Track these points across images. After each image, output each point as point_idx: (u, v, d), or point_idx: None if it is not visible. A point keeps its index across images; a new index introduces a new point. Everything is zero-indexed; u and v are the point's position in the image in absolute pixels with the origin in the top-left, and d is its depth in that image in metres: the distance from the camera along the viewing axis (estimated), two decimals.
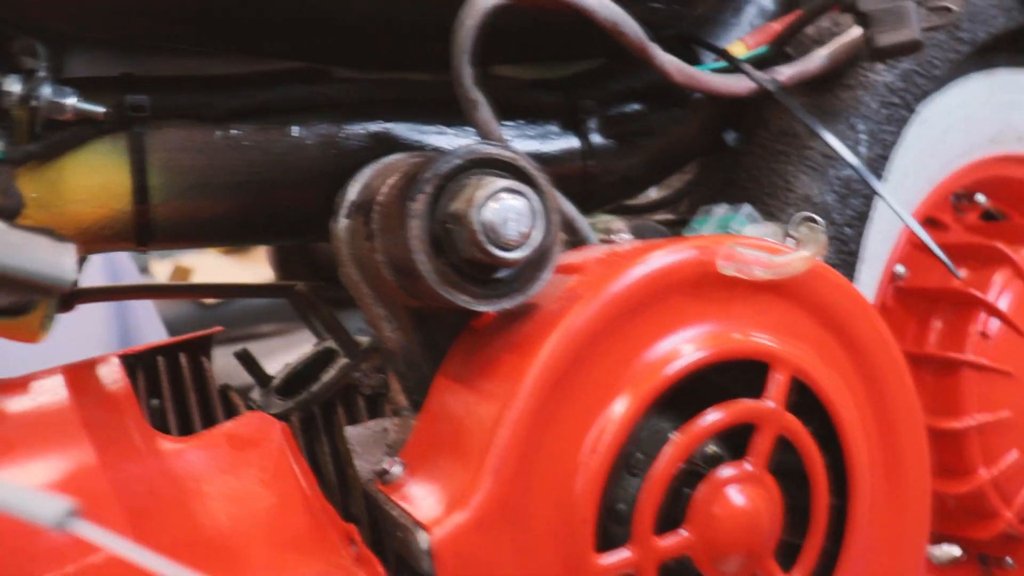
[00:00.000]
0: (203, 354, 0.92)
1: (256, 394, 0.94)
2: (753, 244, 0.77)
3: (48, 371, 0.88)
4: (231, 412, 0.86)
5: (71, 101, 0.74)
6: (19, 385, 0.85)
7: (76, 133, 0.77)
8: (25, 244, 0.58)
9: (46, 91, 0.73)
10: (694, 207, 1.12)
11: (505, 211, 0.67)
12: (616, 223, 0.96)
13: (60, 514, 0.41)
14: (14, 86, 0.73)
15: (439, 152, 0.88)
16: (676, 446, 0.73)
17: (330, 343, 0.93)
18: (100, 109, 0.76)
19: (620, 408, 0.72)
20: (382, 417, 0.86)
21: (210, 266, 2.54)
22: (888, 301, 1.14)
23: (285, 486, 0.79)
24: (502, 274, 0.71)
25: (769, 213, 0.98)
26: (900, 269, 1.13)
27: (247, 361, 0.94)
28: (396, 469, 0.76)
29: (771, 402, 0.76)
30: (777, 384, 0.77)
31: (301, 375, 0.95)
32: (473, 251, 0.67)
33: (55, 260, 0.59)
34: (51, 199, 0.77)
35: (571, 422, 0.71)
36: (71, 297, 0.95)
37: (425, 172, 0.69)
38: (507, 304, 0.72)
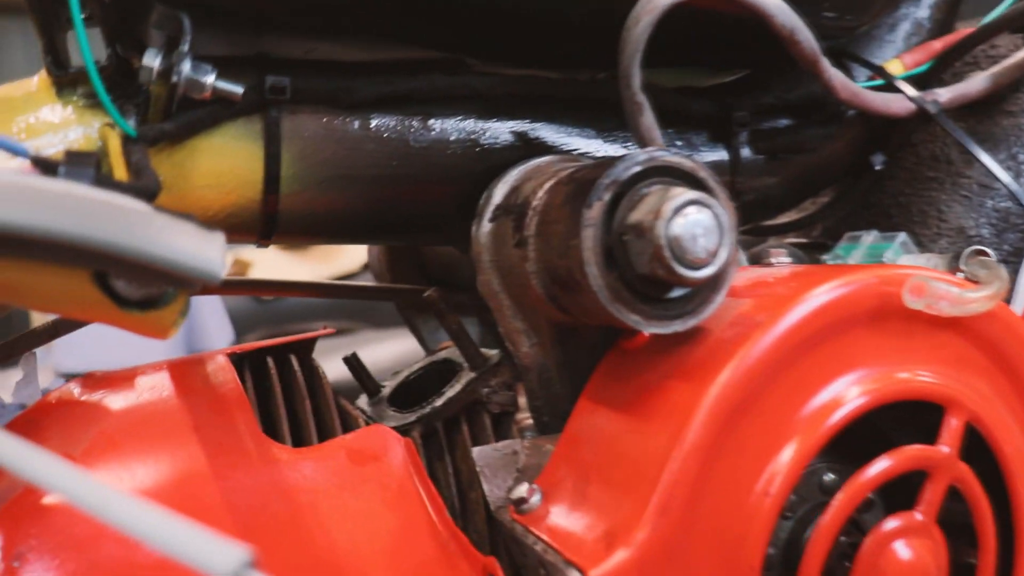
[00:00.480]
0: (310, 354, 0.86)
1: (364, 404, 0.88)
2: (938, 277, 0.71)
3: (152, 365, 0.82)
4: (346, 422, 0.80)
5: (210, 79, 0.68)
6: (123, 379, 0.79)
7: (211, 113, 0.71)
8: (169, 230, 0.52)
9: (186, 67, 0.67)
10: (829, 231, 1.05)
11: (693, 225, 0.61)
12: (772, 245, 0.90)
13: (236, 565, 0.35)
14: (154, 60, 0.67)
15: (598, 158, 0.83)
16: (847, 496, 0.67)
17: (445, 355, 0.87)
18: (239, 89, 0.70)
19: (795, 448, 0.66)
20: (507, 437, 0.80)
21: (268, 261, 2.49)
22: None
23: (409, 508, 0.73)
24: (676, 293, 0.65)
25: (918, 243, 0.91)
26: None
27: (356, 368, 0.88)
28: (535, 498, 0.70)
29: (946, 448, 0.70)
30: (952, 429, 0.70)
31: (412, 387, 0.89)
32: (654, 267, 0.61)
33: (202, 251, 0.52)
34: (178, 182, 0.71)
35: (741, 460, 0.65)
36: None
37: (603, 177, 0.63)
38: (679, 327, 0.65)
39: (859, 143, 0.94)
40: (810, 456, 0.66)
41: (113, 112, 0.64)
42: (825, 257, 0.97)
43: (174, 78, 0.66)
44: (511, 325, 0.76)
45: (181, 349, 2.11)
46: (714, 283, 0.65)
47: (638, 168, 0.64)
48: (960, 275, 0.77)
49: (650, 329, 0.64)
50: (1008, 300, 0.93)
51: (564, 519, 0.68)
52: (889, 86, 0.90)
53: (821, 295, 0.67)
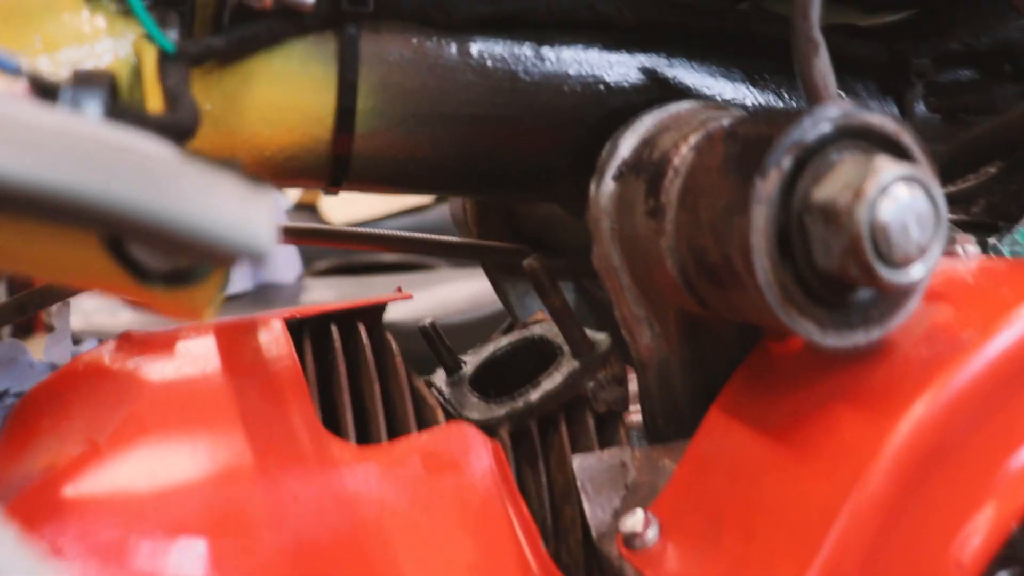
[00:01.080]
0: (381, 323, 0.73)
1: (441, 381, 0.74)
2: None
3: (198, 327, 0.69)
4: (420, 412, 0.66)
5: None
6: (163, 343, 0.67)
7: (272, 28, 0.56)
8: (202, 187, 0.38)
9: None
10: (994, 208, 0.88)
11: (904, 211, 0.45)
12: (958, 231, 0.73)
13: None
14: None
15: (748, 108, 0.67)
16: None
17: (540, 331, 0.73)
18: None
19: (998, 509, 0.50)
20: (613, 441, 0.66)
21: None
22: None
23: (495, 529, 0.59)
24: (862, 295, 0.50)
25: None
26: None
27: (433, 338, 0.74)
28: (652, 533, 0.56)
29: None
30: None
31: (500, 367, 0.74)
32: (846, 263, 0.46)
33: (245, 217, 0.38)
34: (226, 115, 0.57)
35: (929, 520, 0.50)
36: None
37: (783, 136, 0.47)
38: (862, 338, 0.50)
39: None
40: (1017, 519, 0.50)
41: (145, 18, 0.49)
42: (994, 241, 0.80)
43: None
44: (631, 311, 0.61)
45: (247, 280, 2.00)
46: (916, 284, 0.49)
47: (829, 128, 0.48)
48: None
49: (828, 341, 0.49)
50: None
51: (690, 568, 0.54)
52: None
53: None
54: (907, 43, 0.73)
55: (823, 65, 0.58)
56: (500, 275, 0.85)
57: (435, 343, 0.75)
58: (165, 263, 0.42)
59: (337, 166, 0.61)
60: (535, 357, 0.72)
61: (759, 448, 0.55)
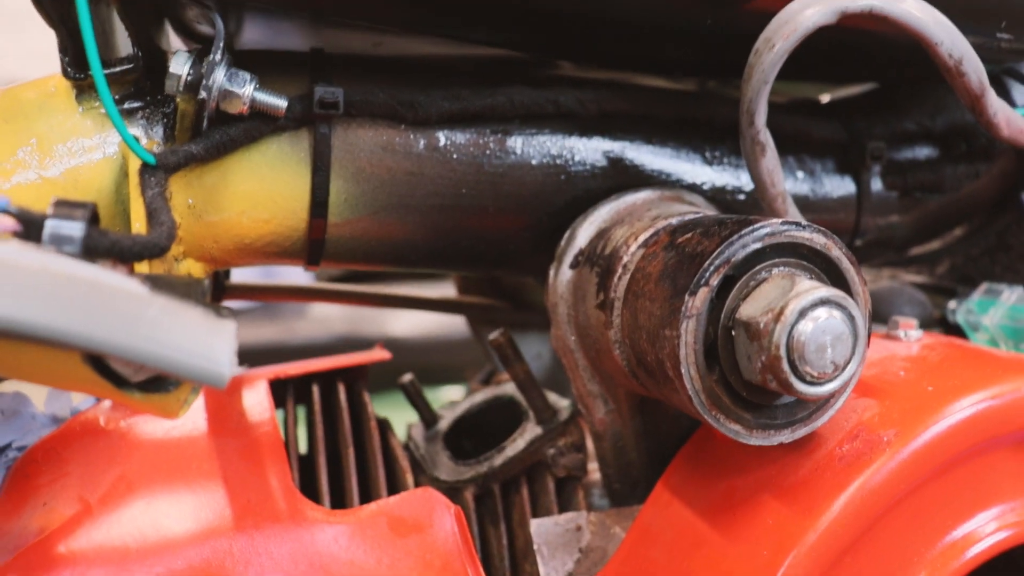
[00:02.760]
0: (363, 379, 0.77)
1: (418, 435, 0.79)
2: None
3: None
4: (390, 464, 0.70)
5: (247, 91, 0.57)
6: None
7: (248, 130, 0.60)
8: (166, 323, 0.42)
9: (219, 77, 0.56)
10: (956, 271, 0.91)
11: (821, 332, 0.49)
12: (895, 290, 0.77)
13: None
14: (182, 68, 0.56)
15: (705, 191, 0.69)
16: None
17: (511, 393, 0.77)
18: (282, 103, 0.59)
19: None
20: (572, 501, 0.70)
21: None
22: None
23: None
24: (785, 399, 0.53)
25: None
26: None
27: (412, 394, 0.78)
28: None
29: None
30: None
31: (472, 423, 0.79)
32: (765, 377, 0.50)
33: (205, 349, 0.43)
34: (208, 207, 0.61)
35: None
36: (220, 293, 0.80)
37: (713, 256, 0.51)
38: (787, 438, 0.54)
39: (1008, 179, 0.79)
40: None
41: (124, 132, 0.53)
42: (953, 306, 0.83)
43: (202, 94, 0.56)
44: (586, 388, 0.65)
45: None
46: (837, 391, 0.53)
47: (757, 246, 0.51)
48: None
49: (752, 441, 0.53)
50: None
51: None
52: None
53: (964, 410, 0.55)
54: (864, 122, 0.76)
55: (770, 164, 0.62)
56: (481, 327, 0.89)
57: (414, 399, 0.79)
58: (140, 374, 0.47)
59: (313, 249, 0.65)
60: (504, 416, 0.76)
61: (696, 525, 0.59)
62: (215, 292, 0.78)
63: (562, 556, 0.66)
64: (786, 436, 0.54)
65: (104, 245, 0.46)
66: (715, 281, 0.51)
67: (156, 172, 0.55)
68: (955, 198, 0.78)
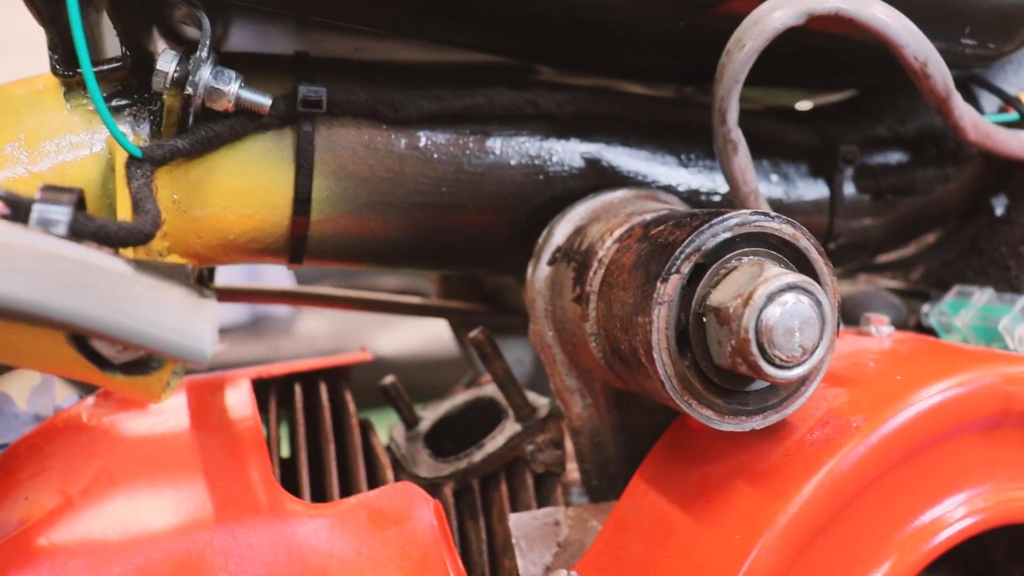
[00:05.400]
0: (345, 381, 0.78)
1: (399, 436, 0.80)
2: None
3: None
4: (371, 462, 0.71)
5: (232, 88, 0.59)
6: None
7: (233, 126, 0.61)
8: (150, 300, 0.43)
9: (205, 74, 0.58)
10: (930, 276, 0.93)
11: (789, 316, 0.50)
12: (870, 293, 0.78)
13: None
14: (169, 65, 0.58)
15: (680, 192, 0.71)
16: None
17: (491, 394, 0.78)
18: (266, 101, 0.60)
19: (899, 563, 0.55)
20: (550, 497, 0.71)
21: None
22: None
23: None
24: (757, 386, 0.55)
25: None
26: None
27: (393, 396, 0.79)
28: None
29: None
30: None
31: (452, 424, 0.80)
32: (735, 361, 0.51)
33: (188, 326, 0.44)
34: (192, 202, 0.62)
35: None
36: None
37: (684, 244, 0.52)
38: (758, 424, 0.55)
39: (978, 184, 0.81)
40: (915, 572, 0.55)
41: (112, 126, 0.54)
42: (926, 310, 0.85)
43: (188, 90, 0.57)
44: (563, 383, 0.66)
45: (243, 313, 2.05)
46: (806, 377, 0.54)
47: (727, 235, 0.53)
48: None
49: (724, 427, 0.54)
50: None
51: None
52: None
53: (931, 397, 0.56)
54: (837, 127, 0.78)
55: (741, 161, 0.64)
56: (463, 332, 0.90)
57: (396, 402, 0.80)
58: (123, 356, 0.48)
59: (295, 247, 0.66)
60: (485, 416, 0.77)
61: (670, 513, 0.60)
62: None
63: (540, 549, 0.67)
64: (758, 422, 0.55)
65: (90, 229, 0.47)
66: (686, 268, 0.52)
67: (142, 164, 0.56)
68: (926, 201, 0.80)
